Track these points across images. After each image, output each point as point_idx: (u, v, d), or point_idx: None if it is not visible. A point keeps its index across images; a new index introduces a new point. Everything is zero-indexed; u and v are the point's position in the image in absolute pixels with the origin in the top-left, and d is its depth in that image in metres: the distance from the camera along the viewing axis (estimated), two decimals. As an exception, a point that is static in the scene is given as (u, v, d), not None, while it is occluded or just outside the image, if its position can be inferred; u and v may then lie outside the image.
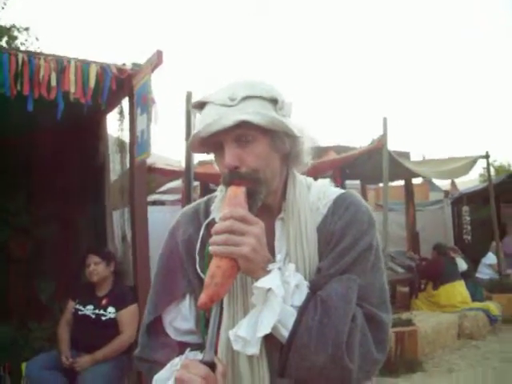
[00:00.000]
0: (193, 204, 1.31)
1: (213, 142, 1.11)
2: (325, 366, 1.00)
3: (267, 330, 0.99)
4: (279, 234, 1.16)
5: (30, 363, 3.45)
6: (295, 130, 1.12)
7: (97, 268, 3.59)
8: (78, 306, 3.59)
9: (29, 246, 4.84)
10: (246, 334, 1.00)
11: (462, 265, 7.32)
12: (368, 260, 1.11)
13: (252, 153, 1.09)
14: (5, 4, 11.05)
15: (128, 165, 4.11)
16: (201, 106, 1.14)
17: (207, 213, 1.23)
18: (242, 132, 1.07)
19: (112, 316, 3.49)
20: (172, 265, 1.23)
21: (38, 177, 4.66)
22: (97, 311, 3.52)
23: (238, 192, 1.06)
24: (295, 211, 1.15)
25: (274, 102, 1.10)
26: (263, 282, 1.00)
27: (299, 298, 1.04)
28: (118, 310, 3.50)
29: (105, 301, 3.54)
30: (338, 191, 1.21)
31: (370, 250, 1.12)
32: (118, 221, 4.44)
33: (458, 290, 6.67)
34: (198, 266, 1.17)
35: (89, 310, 3.53)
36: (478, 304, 6.73)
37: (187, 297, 1.21)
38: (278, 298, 0.99)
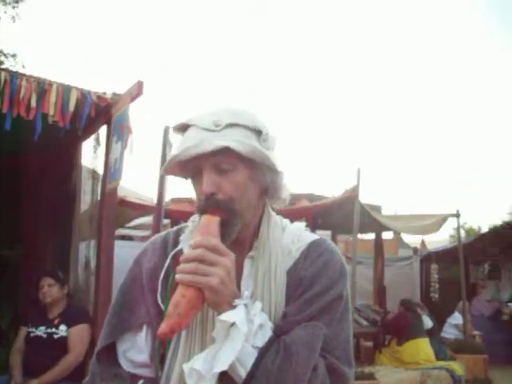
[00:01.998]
0: (162, 233, 1.28)
1: (191, 166, 1.09)
2: None
3: (224, 367, 0.95)
4: (247, 272, 1.12)
5: None
6: (277, 164, 1.11)
7: (50, 289, 3.62)
8: (30, 329, 3.55)
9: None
10: (201, 368, 0.96)
11: (428, 322, 7.30)
12: (336, 310, 1.08)
13: (230, 181, 1.07)
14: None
15: (99, 194, 4.10)
16: (184, 128, 1.12)
17: (176, 243, 1.20)
18: (222, 159, 1.05)
19: (64, 334, 3.49)
20: (133, 293, 1.20)
21: (7, 198, 4.60)
22: (49, 330, 3.50)
23: (212, 221, 1.03)
24: (266, 251, 1.12)
25: (257, 132, 1.09)
26: (227, 316, 0.97)
27: (262, 338, 1.00)
28: (69, 327, 3.50)
29: (57, 320, 3.54)
30: (313, 236, 1.19)
31: (340, 300, 1.09)
32: (83, 249, 4.38)
33: (421, 347, 6.62)
34: (159, 296, 1.13)
35: (41, 330, 3.52)
36: (441, 362, 6.68)
37: (144, 327, 1.17)
38: (240, 334, 0.96)
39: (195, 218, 1.16)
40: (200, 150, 1.04)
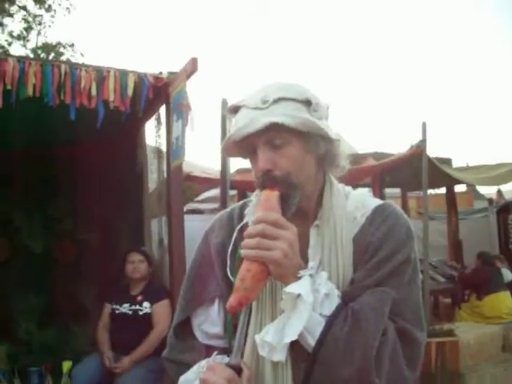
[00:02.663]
0: (228, 208, 1.32)
1: (246, 145, 1.11)
2: (350, 379, 0.97)
3: (294, 337, 0.97)
4: (313, 242, 1.13)
5: (76, 368, 3.57)
6: (330, 133, 1.10)
7: (140, 265, 3.76)
8: (114, 306, 3.71)
9: (74, 251, 5.02)
10: (272, 339, 0.99)
11: (508, 275, 7.04)
12: (405, 273, 1.08)
13: (285, 156, 1.08)
14: (52, 22, 11.57)
15: (165, 172, 4.22)
16: (235, 110, 1.15)
17: (241, 217, 1.23)
18: (274, 135, 1.07)
19: (148, 311, 3.62)
20: (203, 268, 1.24)
21: (80, 184, 4.84)
22: (133, 307, 3.64)
23: (271, 196, 1.05)
24: (331, 219, 1.13)
25: (307, 103, 1.09)
26: (293, 288, 0.99)
27: (329, 307, 1.02)
28: (152, 304, 3.62)
29: (140, 297, 3.68)
30: (377, 201, 1.18)
31: (408, 264, 1.09)
32: (156, 226, 4.54)
33: (503, 301, 6.40)
34: (228, 270, 1.16)
35: (125, 307, 3.66)
36: (525, 316, 6.45)
37: (216, 301, 1.21)
38: (306, 304, 0.97)
39: (258, 192, 1.17)
40: (250, 129, 1.06)
